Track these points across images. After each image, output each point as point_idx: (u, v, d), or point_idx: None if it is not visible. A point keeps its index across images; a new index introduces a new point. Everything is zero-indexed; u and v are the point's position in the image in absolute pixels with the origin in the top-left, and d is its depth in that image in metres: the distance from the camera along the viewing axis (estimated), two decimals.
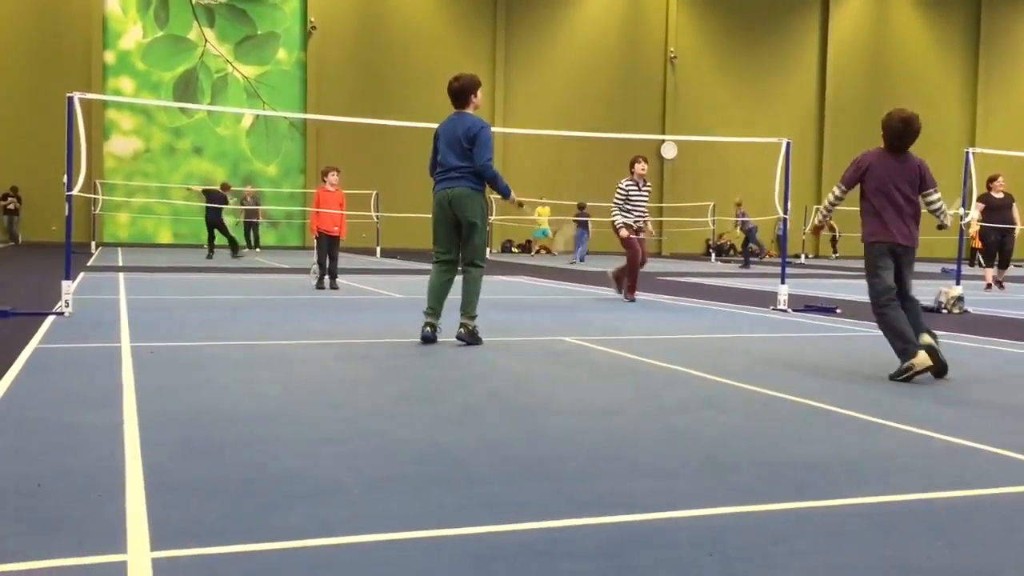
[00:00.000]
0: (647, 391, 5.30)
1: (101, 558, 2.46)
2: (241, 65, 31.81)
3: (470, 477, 3.35)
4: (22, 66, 29.82)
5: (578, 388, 5.35)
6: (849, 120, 37.70)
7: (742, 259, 25.53)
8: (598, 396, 5.10)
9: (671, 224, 34.53)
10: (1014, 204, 15.82)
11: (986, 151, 12.29)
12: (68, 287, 8.51)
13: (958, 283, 11.46)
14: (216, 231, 21.53)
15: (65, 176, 8.57)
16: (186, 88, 31.22)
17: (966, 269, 14.10)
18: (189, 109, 31.16)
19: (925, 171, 6.13)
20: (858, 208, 6.23)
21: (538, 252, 32.17)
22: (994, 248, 15.87)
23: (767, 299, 12.24)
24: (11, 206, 28.65)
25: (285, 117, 32.10)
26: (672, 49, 35.88)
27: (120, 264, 17.85)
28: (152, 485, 3.14)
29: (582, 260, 25.68)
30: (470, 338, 7.09)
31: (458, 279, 7.37)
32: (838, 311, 10.89)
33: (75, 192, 8.61)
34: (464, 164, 7.05)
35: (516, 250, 33.73)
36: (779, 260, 12.82)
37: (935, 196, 6.20)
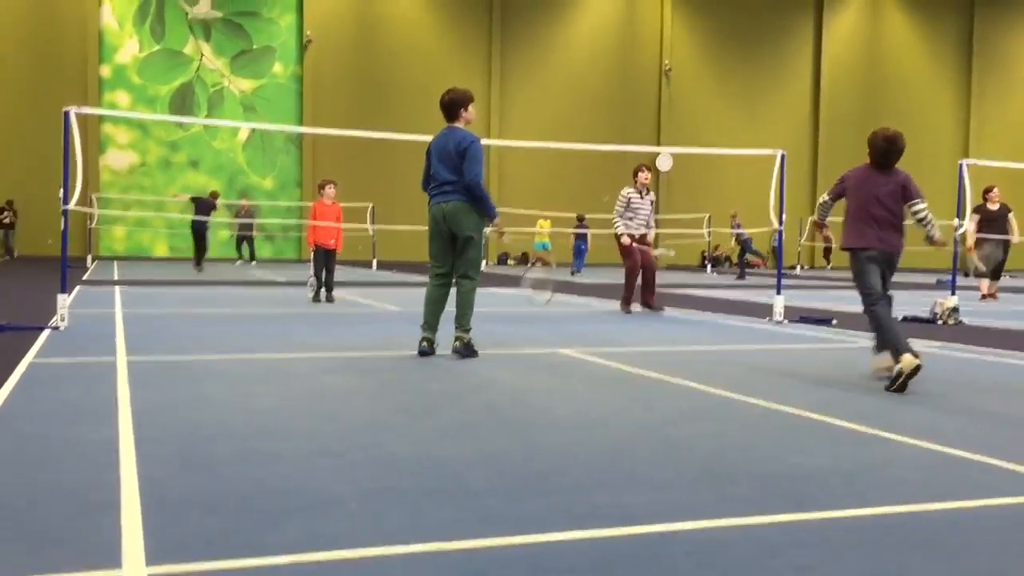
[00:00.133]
0: (643, 403, 5.30)
1: (97, 573, 2.45)
2: (237, 79, 31.87)
3: (467, 490, 3.35)
4: (18, 80, 29.85)
5: (574, 400, 5.35)
6: (843, 131, 37.82)
7: (738, 270, 25.58)
8: (594, 408, 5.10)
9: (666, 236, 34.57)
10: (1010, 215, 15.87)
11: (980, 162, 12.31)
12: (64, 301, 8.50)
13: (953, 294, 11.49)
14: (198, 240, 21.71)
15: (61, 190, 8.57)
16: (182, 102, 31.26)
17: (960, 280, 14.13)
18: (185, 123, 31.19)
19: (908, 184, 6.43)
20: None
21: (534, 264, 32.17)
22: (990, 260, 15.91)
23: (763, 310, 12.25)
24: (7, 220, 28.60)
25: (281, 131, 32.14)
26: (667, 62, 36.01)
27: (116, 278, 17.83)
28: (148, 500, 3.13)
29: (579, 271, 25.87)
30: (465, 351, 7.08)
31: (453, 292, 7.38)
32: (834, 322, 10.90)
33: (71, 206, 8.60)
34: (457, 178, 7.05)
35: (512, 263, 33.74)
36: (775, 271, 12.85)
37: (921, 206, 6.46)
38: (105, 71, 30.68)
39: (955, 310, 11.15)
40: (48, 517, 2.93)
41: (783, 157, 11.07)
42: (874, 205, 6.34)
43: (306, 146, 32.31)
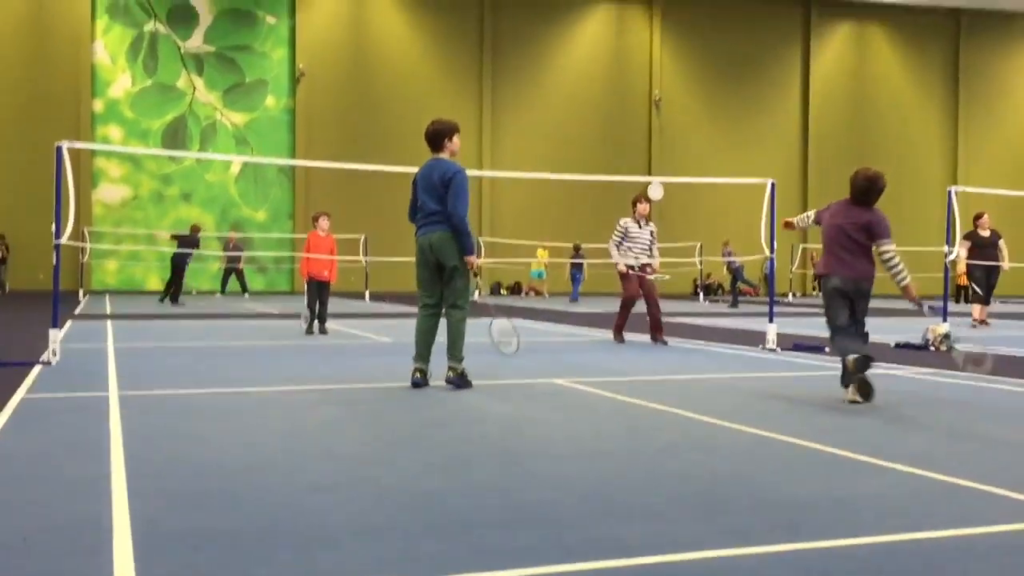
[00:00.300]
0: (638, 433, 5.28)
1: None
2: (230, 112, 31.99)
3: (460, 523, 3.33)
4: (10, 114, 29.91)
5: (569, 431, 5.33)
6: (832, 159, 38.03)
7: (730, 298, 25.63)
8: (589, 438, 5.09)
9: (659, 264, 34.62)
10: (1000, 241, 15.96)
11: (969, 189, 12.41)
12: (55, 336, 8.46)
13: (944, 320, 11.52)
14: (174, 274, 21.64)
15: (53, 224, 8.56)
16: (175, 135, 31.34)
17: (952, 306, 14.18)
18: (177, 156, 31.26)
19: (876, 225, 6.65)
20: None
21: (527, 294, 32.25)
22: (982, 284, 15.99)
23: (756, 338, 12.26)
24: None
25: (273, 163, 32.20)
26: (657, 92, 36.27)
27: (108, 312, 17.78)
28: (140, 537, 3.11)
29: (575, 299, 26.07)
30: (459, 381, 7.06)
31: (443, 322, 7.36)
32: (827, 350, 10.90)
33: (63, 240, 8.58)
34: (442, 208, 7.05)
35: (505, 292, 33.76)
36: (767, 299, 12.87)
37: (886, 247, 6.67)
38: (98, 105, 30.77)
39: (947, 336, 11.17)
40: (41, 555, 2.90)
41: (773, 186, 11.14)
42: (843, 237, 6.66)
43: (298, 178, 32.38)
